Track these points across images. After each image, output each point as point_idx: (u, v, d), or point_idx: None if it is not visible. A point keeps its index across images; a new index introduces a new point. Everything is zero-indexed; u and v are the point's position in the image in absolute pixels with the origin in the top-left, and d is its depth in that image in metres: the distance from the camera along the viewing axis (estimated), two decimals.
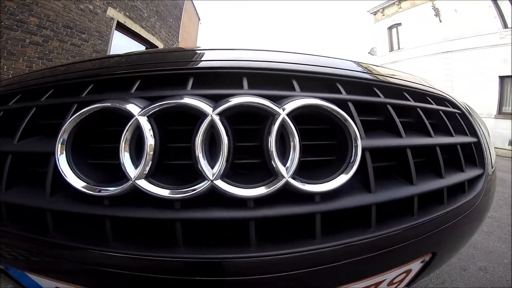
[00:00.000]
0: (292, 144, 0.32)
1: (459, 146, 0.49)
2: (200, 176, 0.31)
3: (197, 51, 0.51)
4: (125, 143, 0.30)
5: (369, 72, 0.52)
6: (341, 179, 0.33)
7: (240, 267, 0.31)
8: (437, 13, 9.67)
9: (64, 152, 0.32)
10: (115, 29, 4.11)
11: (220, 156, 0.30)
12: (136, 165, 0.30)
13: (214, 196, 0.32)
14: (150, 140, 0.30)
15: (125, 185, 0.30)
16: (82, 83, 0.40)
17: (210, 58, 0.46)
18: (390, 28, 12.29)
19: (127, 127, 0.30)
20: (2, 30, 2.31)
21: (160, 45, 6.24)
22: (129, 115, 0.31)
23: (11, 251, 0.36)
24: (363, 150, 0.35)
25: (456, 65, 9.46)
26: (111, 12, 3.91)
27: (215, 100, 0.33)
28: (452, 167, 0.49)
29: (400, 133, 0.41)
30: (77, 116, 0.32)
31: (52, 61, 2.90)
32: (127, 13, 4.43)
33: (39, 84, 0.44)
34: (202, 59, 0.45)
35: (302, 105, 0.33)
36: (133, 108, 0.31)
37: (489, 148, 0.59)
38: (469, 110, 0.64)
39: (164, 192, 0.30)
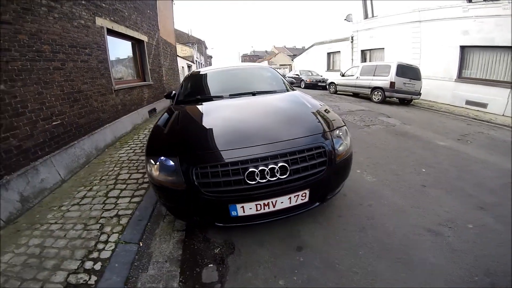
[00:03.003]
0: (279, 171, 1.51)
1: (317, 164, 1.53)
2: (265, 178, 1.50)
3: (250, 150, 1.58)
4: (256, 175, 1.49)
5: (302, 141, 1.59)
6: (284, 176, 1.53)
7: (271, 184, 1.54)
8: None
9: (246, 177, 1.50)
10: (107, 35, 4.49)
11: (268, 175, 1.51)
12: (257, 178, 1.50)
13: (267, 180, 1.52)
14: (259, 174, 1.50)
15: (256, 181, 1.50)
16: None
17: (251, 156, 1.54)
18: None
19: (257, 172, 1.50)
20: (30, 63, 2.61)
21: (145, 39, 6.54)
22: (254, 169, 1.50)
23: (231, 198, 1.54)
24: (290, 170, 1.52)
25: (424, 33, 10.16)
26: (99, 21, 4.23)
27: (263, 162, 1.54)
28: (316, 167, 1.52)
29: (298, 162, 1.50)
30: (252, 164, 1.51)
31: (74, 81, 3.33)
32: (112, 18, 4.73)
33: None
34: (248, 155, 1.54)
35: (280, 165, 1.51)
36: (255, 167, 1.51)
37: (335, 157, 1.62)
38: (333, 143, 1.65)
39: (264, 180, 1.51)
